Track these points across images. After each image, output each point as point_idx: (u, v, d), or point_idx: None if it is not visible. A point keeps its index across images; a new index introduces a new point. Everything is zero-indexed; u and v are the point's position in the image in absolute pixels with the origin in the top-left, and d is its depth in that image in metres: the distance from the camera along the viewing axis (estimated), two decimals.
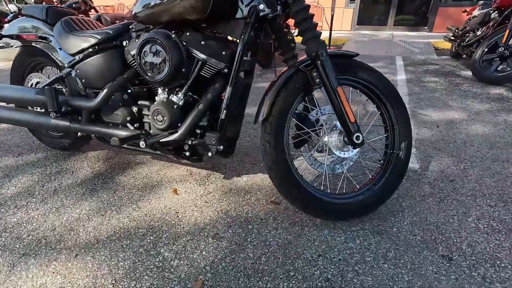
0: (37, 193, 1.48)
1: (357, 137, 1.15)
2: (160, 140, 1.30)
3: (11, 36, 1.65)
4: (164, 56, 1.19)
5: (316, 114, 1.31)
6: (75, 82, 1.51)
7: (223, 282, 0.98)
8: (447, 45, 5.66)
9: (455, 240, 1.13)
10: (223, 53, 1.21)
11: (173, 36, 1.20)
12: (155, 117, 1.29)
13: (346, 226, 1.22)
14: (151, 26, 1.34)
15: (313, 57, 1.12)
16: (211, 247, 1.13)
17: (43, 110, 1.54)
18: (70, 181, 1.57)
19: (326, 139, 1.25)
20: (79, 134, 1.50)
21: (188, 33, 1.23)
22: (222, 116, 1.24)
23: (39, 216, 1.32)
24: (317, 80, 1.15)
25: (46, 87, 1.38)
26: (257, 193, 1.44)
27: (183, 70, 1.23)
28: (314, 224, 1.24)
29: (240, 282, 0.98)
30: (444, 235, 1.17)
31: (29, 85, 1.76)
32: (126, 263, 1.06)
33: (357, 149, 1.23)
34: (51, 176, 1.62)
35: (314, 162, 1.30)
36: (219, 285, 0.96)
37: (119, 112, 1.40)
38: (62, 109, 1.46)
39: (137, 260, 1.07)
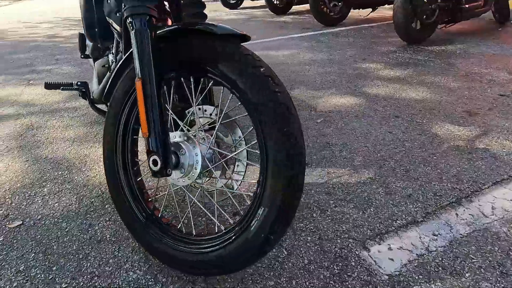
0: (51, 109, 2.02)
1: (154, 162, 0.74)
2: (92, 97, 1.39)
3: None
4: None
5: (188, 112, 0.93)
6: None
7: None
8: None
9: None
10: (118, 14, 1.05)
11: None
12: (97, 73, 1.37)
13: (161, 272, 0.90)
14: None
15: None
16: (26, 204, 1.20)
17: None
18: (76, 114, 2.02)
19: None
20: None
21: None
22: None
23: (26, 118, 1.84)
24: None
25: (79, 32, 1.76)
26: None
27: (96, 30, 1.18)
28: (131, 243, 1.00)
29: None
30: None
31: None
32: None
33: (191, 176, 0.80)
34: (70, 100, 2.13)
35: None
36: None
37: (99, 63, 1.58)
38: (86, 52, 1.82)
39: None
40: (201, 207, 0.84)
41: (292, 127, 0.67)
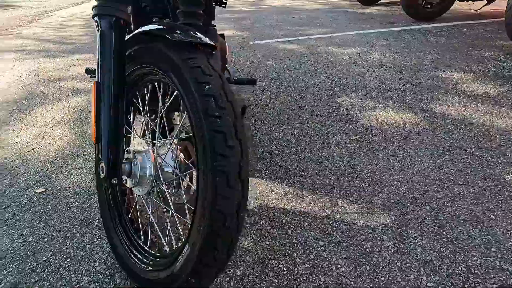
0: None
1: (101, 169, 0.70)
2: None
3: None
4: None
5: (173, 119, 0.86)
6: None
7: None
8: None
9: None
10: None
11: None
12: None
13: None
14: None
15: None
16: (56, 173, 1.31)
17: None
18: None
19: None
20: None
21: None
22: None
23: None
24: None
25: None
26: None
27: None
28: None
29: None
30: None
31: None
32: None
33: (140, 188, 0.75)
34: None
35: None
36: None
37: None
38: None
39: None
40: (154, 222, 0.80)
41: (224, 163, 0.55)
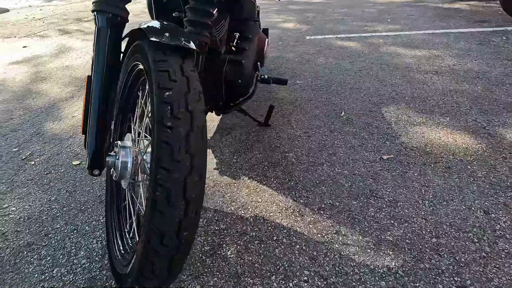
0: None
1: (86, 159, 0.72)
2: None
3: None
4: None
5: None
6: None
7: None
8: None
9: None
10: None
11: None
12: None
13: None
14: None
15: None
16: None
17: None
18: None
19: None
20: None
21: None
22: None
23: None
24: None
25: None
26: None
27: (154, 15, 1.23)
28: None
29: None
30: None
31: None
32: None
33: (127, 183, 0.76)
34: None
35: None
36: None
37: None
38: None
39: None
40: (132, 215, 0.82)
41: (166, 178, 0.51)
